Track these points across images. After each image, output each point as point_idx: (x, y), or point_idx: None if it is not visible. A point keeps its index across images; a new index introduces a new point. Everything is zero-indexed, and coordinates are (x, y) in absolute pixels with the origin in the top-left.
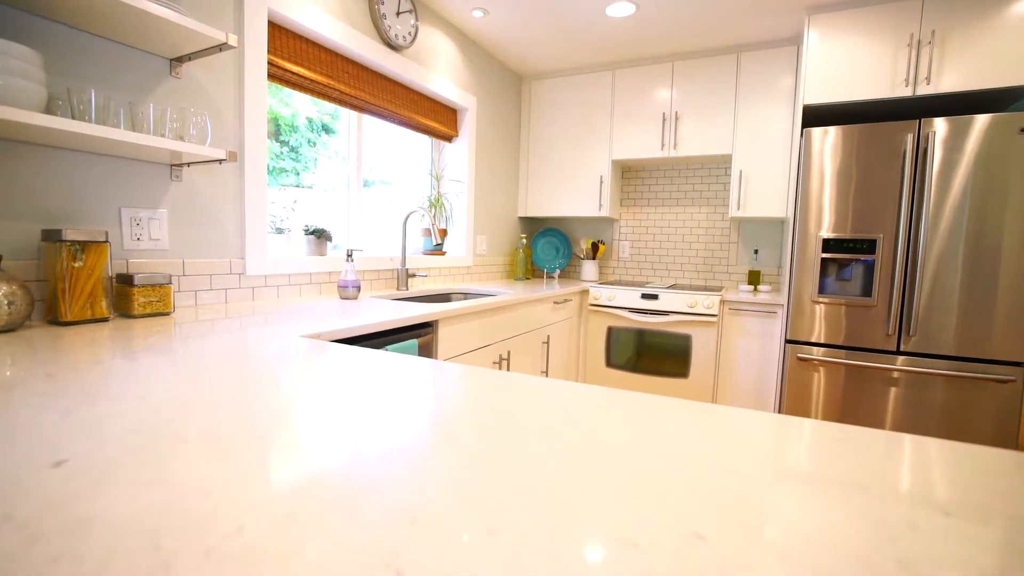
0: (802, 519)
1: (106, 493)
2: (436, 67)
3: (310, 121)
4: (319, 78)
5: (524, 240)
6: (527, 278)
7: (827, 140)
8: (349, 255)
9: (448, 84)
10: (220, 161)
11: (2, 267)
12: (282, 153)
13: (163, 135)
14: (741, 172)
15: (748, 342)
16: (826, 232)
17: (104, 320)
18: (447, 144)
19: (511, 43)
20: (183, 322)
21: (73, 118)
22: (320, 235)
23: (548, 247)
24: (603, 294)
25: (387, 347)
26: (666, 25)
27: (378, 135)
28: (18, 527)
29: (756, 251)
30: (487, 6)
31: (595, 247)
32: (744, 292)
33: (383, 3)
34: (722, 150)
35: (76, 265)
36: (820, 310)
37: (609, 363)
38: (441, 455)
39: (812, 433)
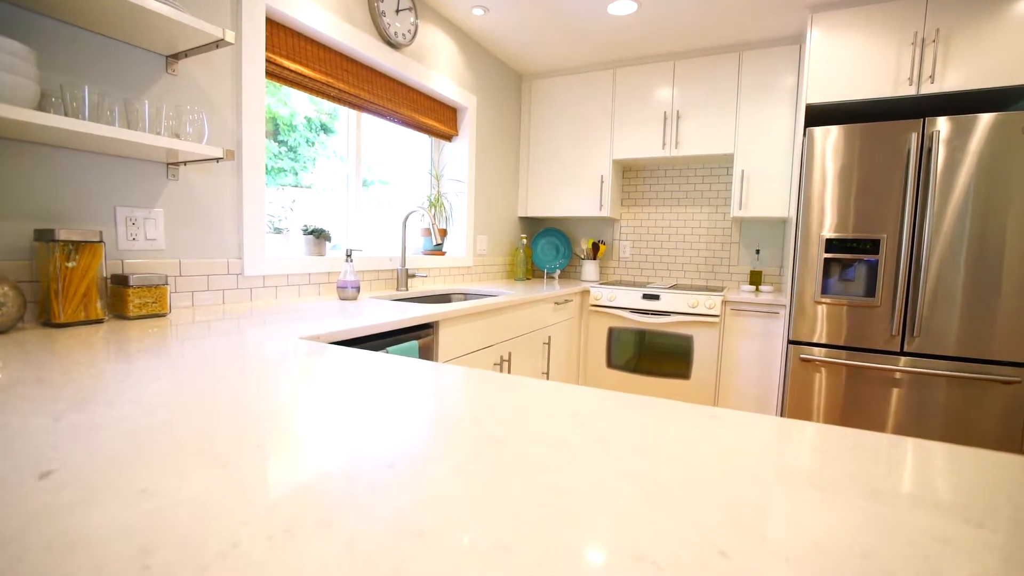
0: (827, 535)
1: (95, 506)
2: (436, 66)
3: (308, 121)
4: (318, 76)
5: (524, 240)
6: (527, 278)
7: (830, 139)
8: (348, 255)
9: (448, 83)
10: (217, 160)
11: None
12: (280, 153)
13: (159, 133)
14: (743, 172)
15: (750, 343)
16: (829, 232)
17: (98, 322)
18: (447, 143)
19: (511, 41)
20: (179, 324)
21: (66, 115)
22: (319, 235)
23: (548, 247)
24: (604, 294)
25: (388, 349)
26: (668, 23)
27: (377, 135)
28: (1, 545)
29: (758, 251)
30: (487, 4)
31: (596, 247)
32: (746, 292)
33: (383, 0)
34: (724, 149)
35: (69, 265)
36: (823, 310)
37: (610, 364)
38: (447, 464)
39: (827, 439)
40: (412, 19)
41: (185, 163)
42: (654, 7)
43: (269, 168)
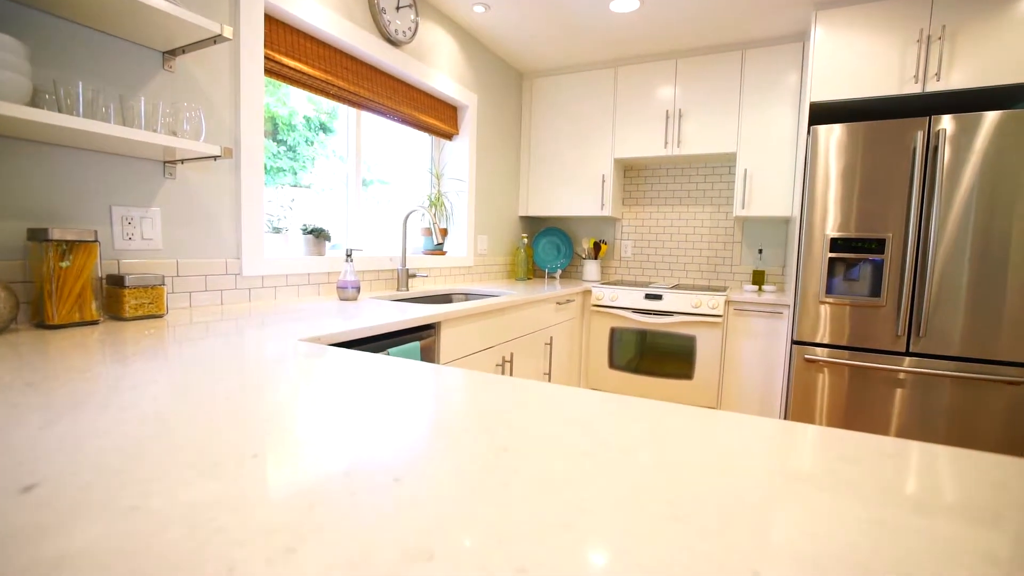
0: (876, 556)
1: (79, 524)
2: (436, 63)
3: (308, 120)
4: (317, 73)
5: (525, 240)
6: (528, 278)
7: (834, 138)
8: (348, 255)
9: (448, 81)
10: (215, 158)
11: None
12: (279, 152)
13: (155, 130)
14: (746, 171)
15: (753, 343)
16: (834, 231)
17: (93, 323)
18: (447, 142)
19: (512, 39)
20: (176, 325)
21: (60, 112)
22: (319, 235)
23: (549, 247)
24: (606, 294)
25: (389, 350)
26: (670, 21)
27: (377, 134)
28: None
29: (760, 251)
30: (488, 1)
31: (597, 247)
32: (749, 292)
33: None
34: (726, 148)
35: (63, 265)
36: (827, 310)
37: (612, 364)
38: (457, 477)
39: (857, 447)
40: (412, 16)
41: (183, 161)
42: (656, 4)
43: (268, 168)
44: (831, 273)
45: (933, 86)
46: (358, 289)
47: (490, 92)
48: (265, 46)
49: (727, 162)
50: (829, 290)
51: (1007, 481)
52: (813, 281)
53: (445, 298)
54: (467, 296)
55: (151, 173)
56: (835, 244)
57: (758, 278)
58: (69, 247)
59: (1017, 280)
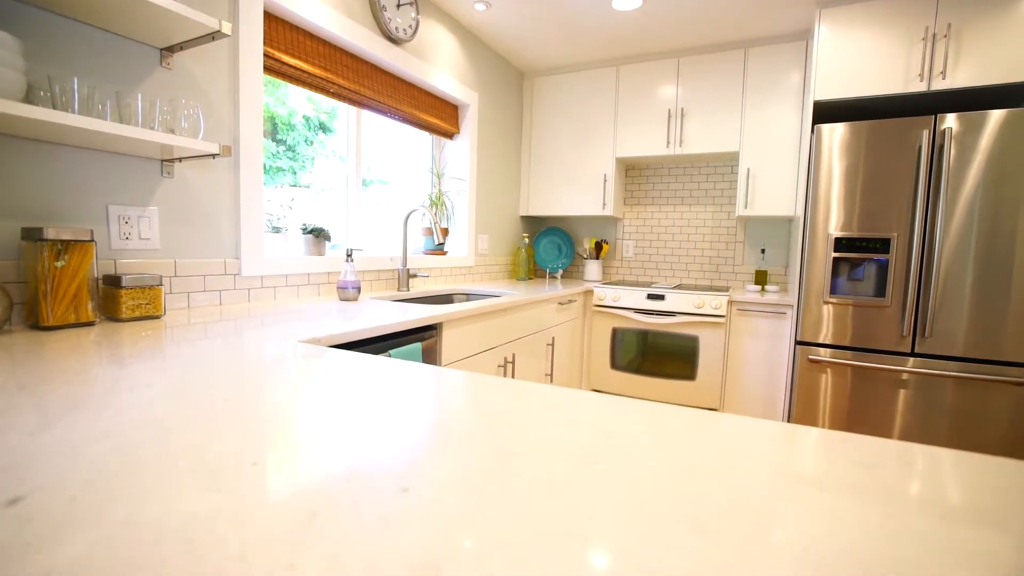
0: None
1: (68, 539)
2: (437, 62)
3: (307, 120)
4: (317, 71)
5: (526, 240)
6: (529, 278)
7: (838, 136)
8: (349, 255)
9: (449, 79)
10: (214, 156)
11: None
12: (279, 152)
13: (153, 128)
14: (748, 170)
15: (756, 344)
16: (838, 231)
17: (89, 324)
18: (448, 141)
19: (513, 38)
20: (174, 326)
21: (55, 108)
22: (318, 234)
23: (550, 247)
24: (608, 294)
25: (390, 352)
26: (673, 19)
27: (377, 134)
28: None
29: (763, 250)
30: None
31: (598, 247)
32: (751, 292)
33: None
34: (729, 147)
35: (58, 265)
36: (832, 311)
37: (614, 365)
38: (465, 486)
39: (877, 453)
40: (413, 14)
41: (181, 160)
42: (659, 2)
43: (267, 167)
44: (835, 273)
45: (939, 84)
46: (358, 289)
47: (491, 91)
48: (264, 43)
49: (729, 161)
50: (833, 290)
51: (1010, 485)
52: (817, 281)
53: (446, 298)
54: (468, 296)
55: (149, 172)
56: (839, 244)
57: (761, 278)
58: (64, 247)
59: (1022, 280)
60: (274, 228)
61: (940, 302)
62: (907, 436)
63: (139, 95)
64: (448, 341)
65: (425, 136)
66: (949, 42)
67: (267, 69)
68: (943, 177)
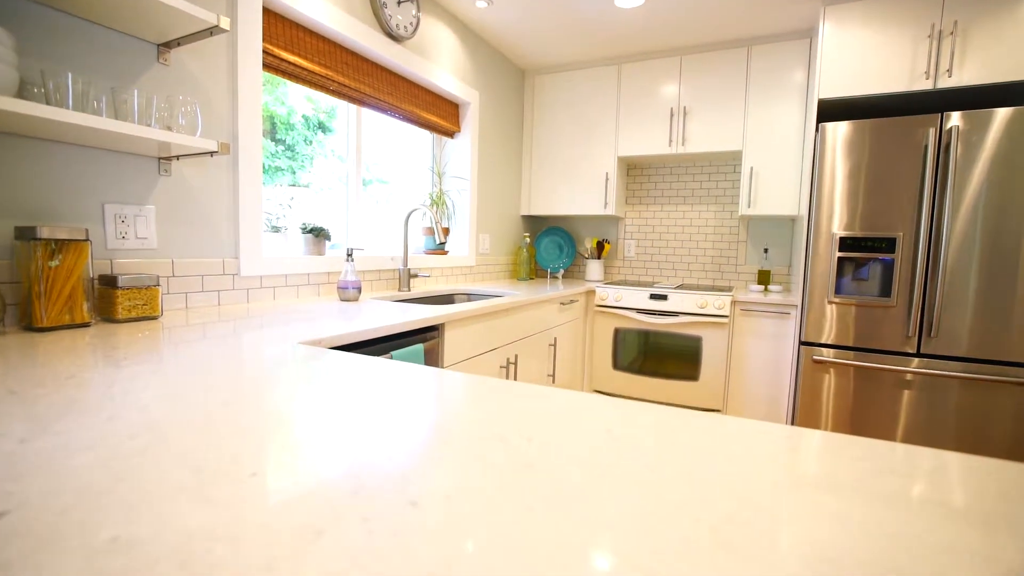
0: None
1: (51, 561)
2: (438, 60)
3: (306, 119)
4: (317, 69)
5: (528, 239)
6: (531, 278)
7: (843, 135)
8: (349, 255)
9: (450, 78)
10: (212, 154)
11: None
12: (278, 152)
13: (149, 124)
14: (752, 169)
15: (760, 344)
16: (843, 230)
17: (85, 325)
18: (449, 140)
19: (515, 36)
20: (171, 327)
21: (48, 104)
22: (318, 234)
23: (551, 246)
24: (610, 294)
25: (392, 353)
26: (675, 17)
27: (376, 132)
28: None
29: (766, 250)
30: None
31: (600, 246)
32: (755, 292)
33: None
34: (732, 146)
35: (52, 265)
36: (836, 311)
37: (616, 366)
38: (479, 499)
39: (912, 462)
40: (414, 11)
41: (178, 157)
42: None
43: (266, 167)
44: (840, 273)
45: (945, 82)
46: (359, 289)
47: (492, 89)
48: (263, 39)
49: (732, 160)
50: (838, 290)
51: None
52: (821, 281)
53: (447, 299)
54: (469, 296)
55: (145, 170)
56: (844, 243)
57: (764, 278)
58: (59, 246)
59: None
60: (273, 227)
61: (946, 302)
62: (912, 437)
63: (135, 91)
64: (450, 342)
65: (425, 135)
66: (956, 40)
67: (266, 66)
68: (949, 176)
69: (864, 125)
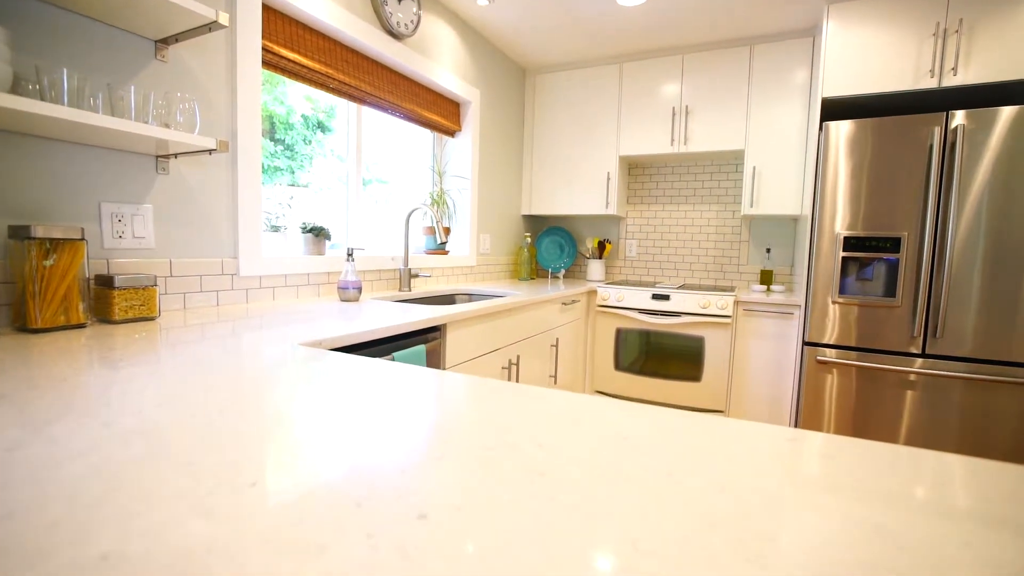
0: None
1: None
2: (439, 58)
3: (305, 119)
4: (317, 66)
5: (529, 239)
6: (531, 278)
7: (847, 134)
8: (350, 254)
9: (451, 76)
10: (210, 152)
11: None
12: (276, 152)
13: (147, 122)
14: (755, 168)
15: (763, 344)
16: (847, 230)
17: (80, 327)
18: (449, 139)
19: (515, 34)
20: (169, 328)
21: (43, 100)
22: (318, 233)
23: (552, 246)
24: (612, 295)
25: (394, 355)
26: (677, 15)
27: (376, 132)
28: None
29: (768, 250)
30: None
31: (602, 246)
32: (757, 292)
33: None
34: (734, 145)
35: (47, 265)
36: (841, 311)
37: (618, 366)
38: (491, 513)
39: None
40: (415, 9)
41: (176, 156)
42: None
43: (265, 167)
44: (844, 273)
45: (950, 81)
46: (359, 290)
47: (493, 88)
48: (263, 36)
49: (734, 160)
50: (842, 290)
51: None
52: (825, 281)
53: (448, 299)
54: (471, 297)
55: (143, 168)
56: (848, 243)
57: (766, 278)
58: (54, 245)
59: None
60: (273, 227)
61: (952, 302)
62: (916, 438)
63: (132, 87)
64: (452, 343)
65: (425, 134)
66: (961, 38)
67: (266, 64)
68: (954, 175)
69: (868, 124)
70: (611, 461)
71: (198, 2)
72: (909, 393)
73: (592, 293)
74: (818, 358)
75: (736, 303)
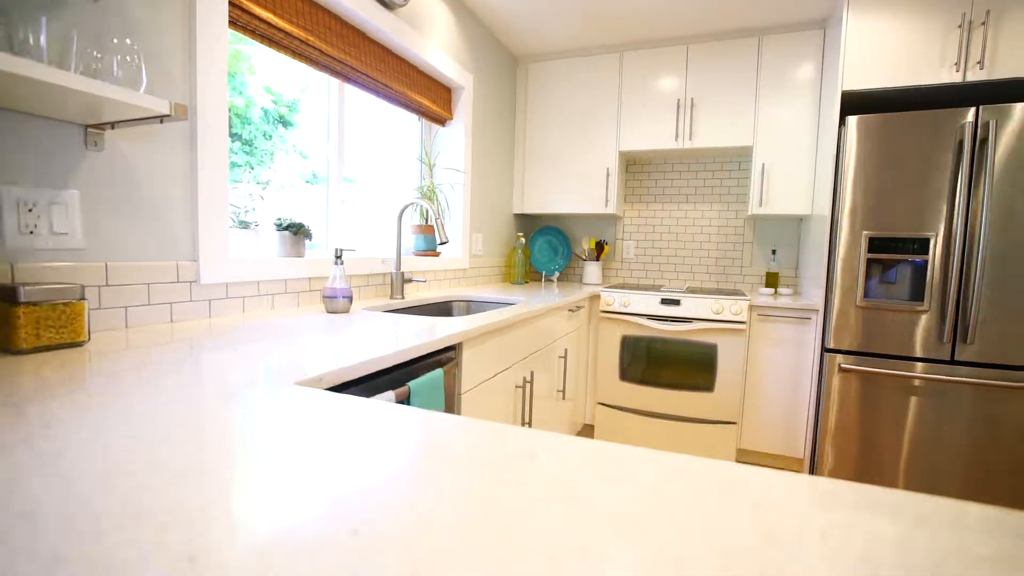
0: None
1: None
2: (431, 36)
3: (265, 112)
4: (296, 31)
5: (523, 239)
6: (525, 281)
7: (870, 129)
8: (338, 256)
9: (444, 57)
10: (162, 119)
11: None
12: (233, 148)
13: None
14: (764, 166)
15: (778, 351)
16: (872, 230)
17: None
18: (440, 128)
19: (509, 17)
20: (102, 357)
21: None
22: (297, 231)
23: (546, 247)
24: (616, 299)
25: (410, 384)
26: (681, 3)
27: (348, 122)
28: None
29: (774, 251)
30: None
31: (599, 247)
32: (765, 296)
33: None
34: (743, 142)
35: None
36: (865, 316)
37: (624, 376)
38: None
39: None
40: None
41: (113, 125)
42: None
43: None
44: (867, 275)
45: (975, 75)
46: (350, 299)
47: (485, 76)
48: None
49: (737, 157)
50: (866, 294)
51: None
52: (849, 284)
53: (445, 307)
54: (469, 304)
55: (65, 140)
56: (873, 244)
57: (772, 280)
58: None
59: None
60: (240, 223)
61: (984, 307)
62: (944, 449)
63: (43, 19)
64: (468, 363)
65: (408, 125)
66: (987, 30)
67: (234, 24)
68: (984, 173)
69: (893, 118)
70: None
71: None
72: (938, 402)
73: (595, 298)
74: (842, 365)
75: (751, 308)
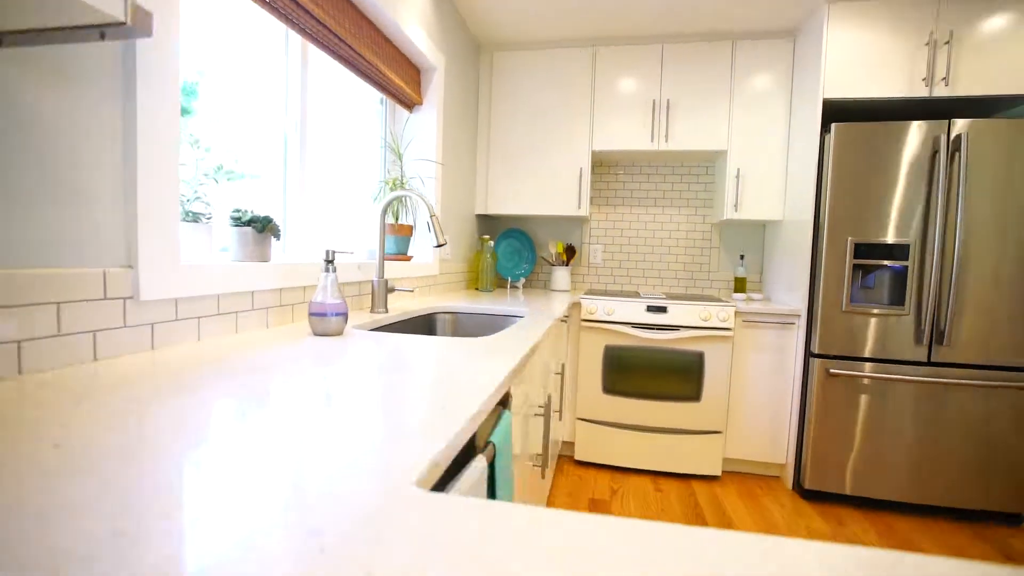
0: None
1: None
2: (406, 5)
3: None
4: None
5: (490, 242)
6: (491, 289)
7: (853, 137)
8: (330, 261)
9: (419, 30)
10: (103, 33)
11: None
12: None
13: None
14: (738, 170)
15: (762, 357)
16: (855, 236)
17: None
18: (408, 114)
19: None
20: None
21: None
22: (263, 227)
23: (510, 251)
24: (599, 307)
25: (493, 440)
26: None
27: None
28: None
29: (742, 256)
30: None
31: (570, 251)
32: (740, 301)
33: None
34: (717, 145)
35: None
36: (849, 320)
37: (607, 389)
38: None
39: None
40: None
41: (2, 38)
42: None
43: None
44: (852, 281)
45: (941, 91)
46: (345, 316)
47: (454, 60)
48: None
49: (705, 162)
50: (852, 299)
51: None
52: (833, 289)
53: (428, 321)
54: (455, 316)
55: None
56: (859, 250)
57: (740, 285)
58: None
59: None
60: (190, 215)
61: (960, 310)
62: (928, 449)
63: None
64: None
65: (369, 105)
66: (951, 49)
67: None
68: (959, 182)
69: (873, 128)
70: None
71: None
72: (919, 403)
73: (576, 306)
74: (830, 370)
75: (736, 314)
